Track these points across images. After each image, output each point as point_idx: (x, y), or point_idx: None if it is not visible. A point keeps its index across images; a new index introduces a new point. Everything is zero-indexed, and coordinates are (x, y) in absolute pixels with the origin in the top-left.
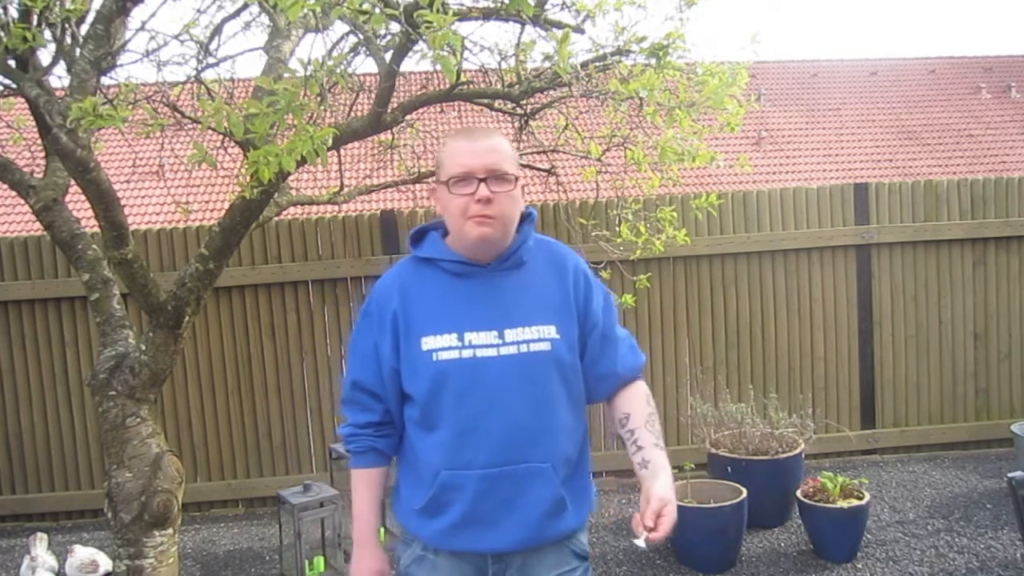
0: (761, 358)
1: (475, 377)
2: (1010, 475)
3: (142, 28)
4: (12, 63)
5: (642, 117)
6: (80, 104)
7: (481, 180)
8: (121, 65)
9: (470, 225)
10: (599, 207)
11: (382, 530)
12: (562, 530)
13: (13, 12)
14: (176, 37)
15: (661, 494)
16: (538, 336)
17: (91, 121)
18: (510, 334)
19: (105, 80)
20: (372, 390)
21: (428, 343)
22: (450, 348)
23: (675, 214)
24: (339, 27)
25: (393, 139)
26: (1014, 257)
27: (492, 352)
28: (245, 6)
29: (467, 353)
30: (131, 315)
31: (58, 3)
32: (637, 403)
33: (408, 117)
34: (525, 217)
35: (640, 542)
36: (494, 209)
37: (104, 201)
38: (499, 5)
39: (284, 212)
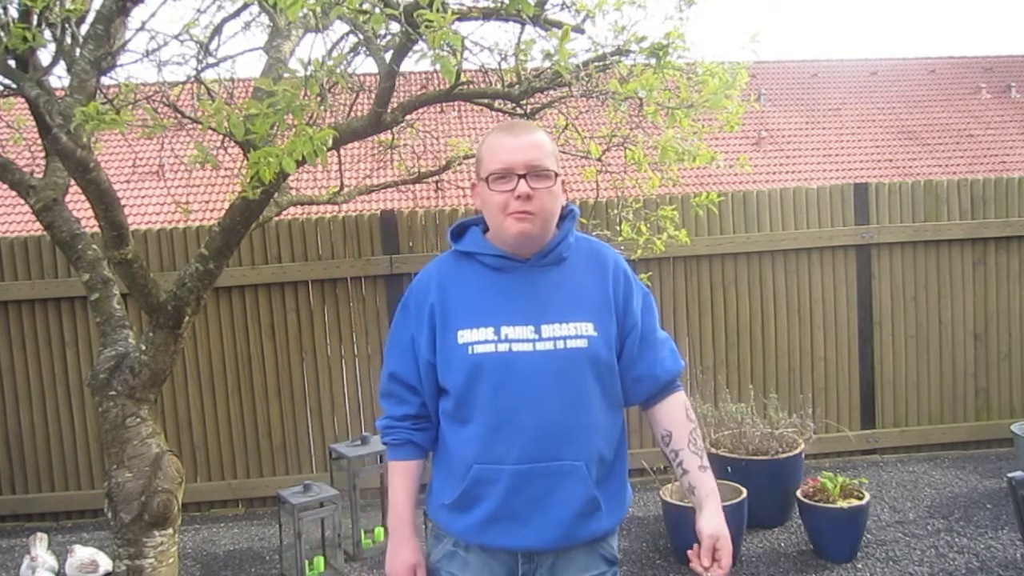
0: (761, 358)
1: (510, 372)
2: (1010, 475)
3: (142, 28)
4: (12, 63)
5: (642, 117)
6: (84, 109)
7: (521, 176)
8: (121, 65)
9: (510, 221)
10: (600, 207)
11: (381, 530)
12: (595, 531)
13: (13, 12)
14: (176, 37)
15: (711, 531)
16: (575, 333)
17: (95, 125)
18: (547, 330)
19: (105, 80)
20: (409, 383)
21: (464, 336)
22: (486, 342)
23: (675, 212)
24: (339, 27)
25: (393, 139)
26: (1014, 257)
27: (528, 347)
28: (245, 6)
29: (503, 347)
30: (131, 315)
31: (58, 3)
32: (678, 418)
33: (408, 117)
34: (567, 214)
35: None
36: (534, 205)
37: (104, 201)
38: (499, 5)
39: (284, 212)
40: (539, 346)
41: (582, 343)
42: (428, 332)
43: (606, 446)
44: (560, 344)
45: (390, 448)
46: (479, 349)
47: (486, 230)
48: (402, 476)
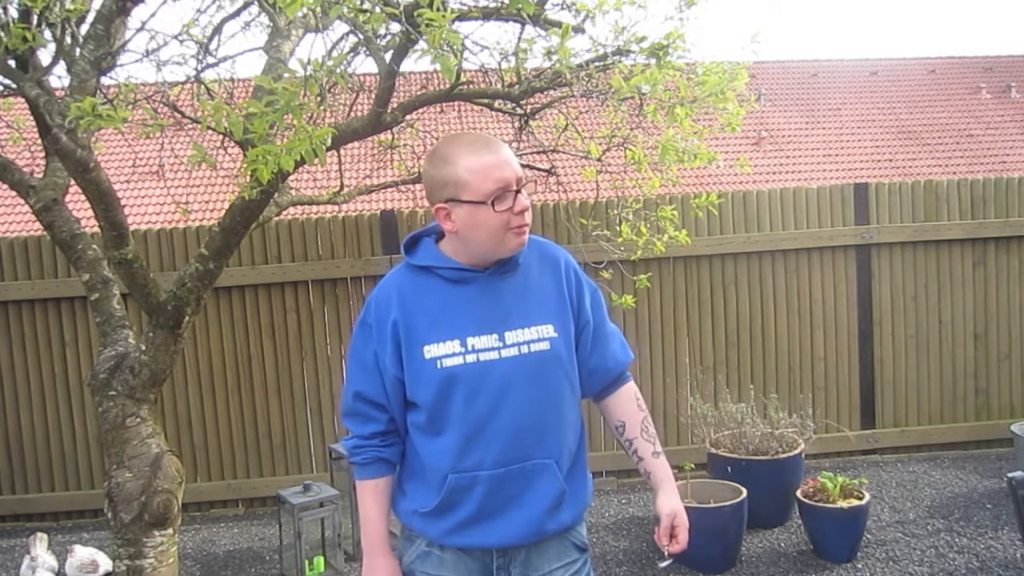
0: (761, 358)
1: (481, 381)
2: (1010, 475)
3: (142, 28)
4: (12, 63)
5: (642, 117)
6: (79, 104)
7: (516, 191)
8: (121, 65)
9: (511, 237)
10: (599, 207)
11: None
12: (563, 522)
13: (13, 12)
14: (176, 37)
15: (668, 510)
16: (537, 336)
17: (90, 121)
18: (510, 336)
19: (105, 80)
20: (376, 400)
21: (431, 351)
22: (454, 355)
23: (675, 213)
24: (339, 27)
25: (393, 139)
26: (1014, 257)
27: (494, 355)
28: (245, 6)
29: (471, 358)
30: (131, 315)
31: (58, 3)
32: (630, 408)
33: (408, 117)
34: None
35: (664, 563)
36: (527, 216)
37: (104, 201)
38: (499, 5)
39: (284, 212)
40: (504, 353)
41: (545, 345)
42: (393, 349)
43: (573, 439)
44: (525, 349)
45: (359, 467)
46: (448, 362)
47: (438, 240)
48: (373, 494)
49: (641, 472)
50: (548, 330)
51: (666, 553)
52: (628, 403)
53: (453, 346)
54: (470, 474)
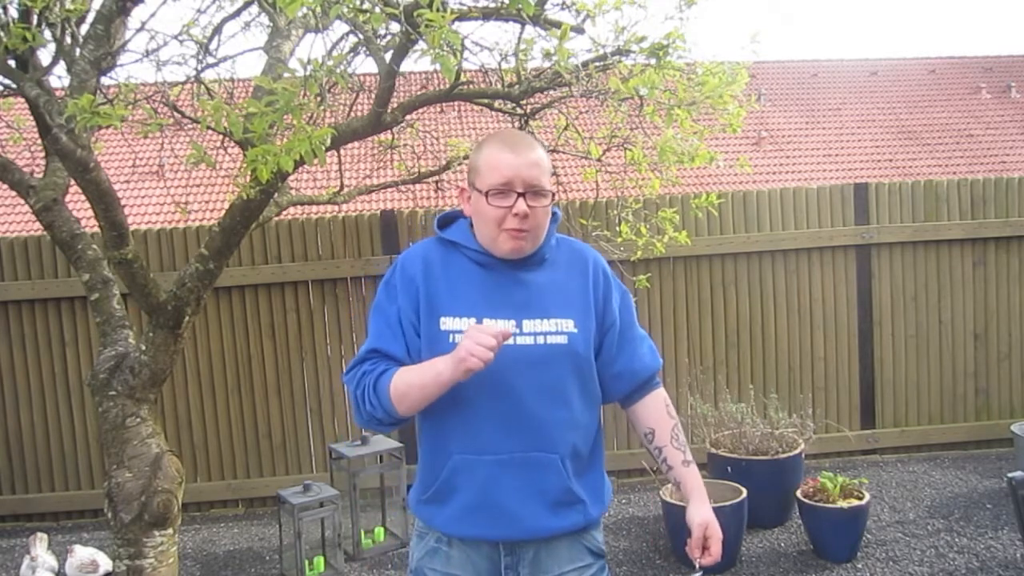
0: (761, 358)
1: (490, 364)
2: (1010, 475)
3: (142, 28)
4: (12, 63)
5: (642, 117)
6: (76, 102)
7: (520, 195)
8: (121, 65)
9: (504, 237)
10: (599, 207)
11: (382, 530)
12: (574, 522)
13: (13, 12)
14: (176, 37)
15: (700, 519)
16: (556, 329)
17: (87, 119)
18: (528, 325)
19: (105, 80)
20: (395, 357)
21: (447, 324)
22: None
23: (675, 214)
24: (339, 27)
25: (393, 139)
26: (1014, 257)
27: (508, 340)
28: (245, 6)
29: None
30: (131, 315)
31: (58, 3)
32: (659, 415)
33: (408, 117)
34: (551, 216)
35: (697, 574)
36: (529, 223)
37: (104, 201)
38: (499, 5)
39: (284, 212)
40: (520, 340)
41: (562, 339)
42: (414, 312)
43: (582, 441)
44: (540, 339)
45: (378, 379)
46: (460, 339)
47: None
48: (406, 373)
49: (671, 481)
50: (568, 324)
51: (697, 565)
52: (657, 410)
53: (469, 323)
54: (471, 457)
